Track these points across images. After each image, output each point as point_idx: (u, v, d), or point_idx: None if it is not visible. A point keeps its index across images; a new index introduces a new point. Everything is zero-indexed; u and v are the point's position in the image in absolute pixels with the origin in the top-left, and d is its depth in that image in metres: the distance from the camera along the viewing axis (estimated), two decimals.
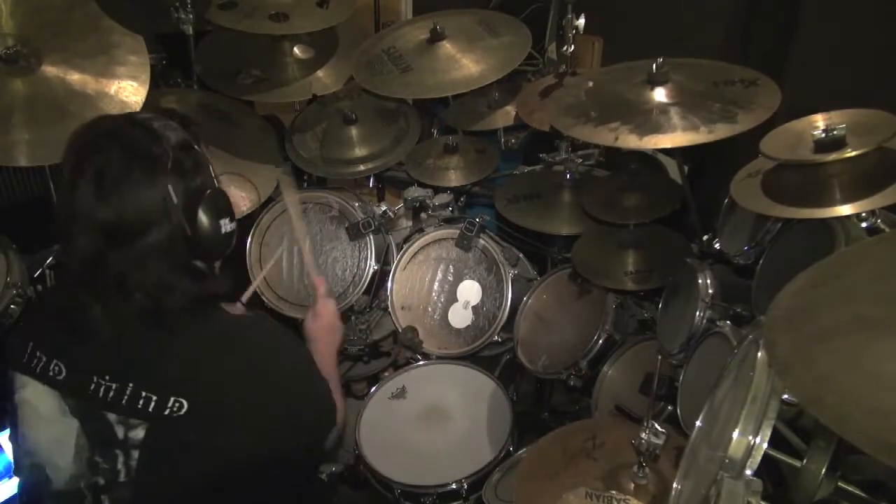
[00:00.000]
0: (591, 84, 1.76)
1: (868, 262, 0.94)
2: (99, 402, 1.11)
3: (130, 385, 1.09)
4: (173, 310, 1.08)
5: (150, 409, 1.08)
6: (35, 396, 1.16)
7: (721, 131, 1.45)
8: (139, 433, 1.09)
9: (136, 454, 1.10)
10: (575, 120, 1.62)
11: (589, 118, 1.60)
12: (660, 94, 1.59)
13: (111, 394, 1.10)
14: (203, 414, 1.09)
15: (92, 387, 1.11)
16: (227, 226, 1.13)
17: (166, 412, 1.08)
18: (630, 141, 1.50)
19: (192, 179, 1.09)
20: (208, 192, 1.11)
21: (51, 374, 1.14)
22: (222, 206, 1.13)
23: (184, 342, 1.11)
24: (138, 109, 1.90)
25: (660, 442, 1.24)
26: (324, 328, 1.51)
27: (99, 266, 1.06)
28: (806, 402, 0.75)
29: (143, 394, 1.08)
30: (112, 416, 1.10)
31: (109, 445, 1.11)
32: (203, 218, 1.09)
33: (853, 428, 0.68)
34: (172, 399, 1.08)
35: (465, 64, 2.10)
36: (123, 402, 1.09)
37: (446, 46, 2.14)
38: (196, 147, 1.12)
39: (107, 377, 1.10)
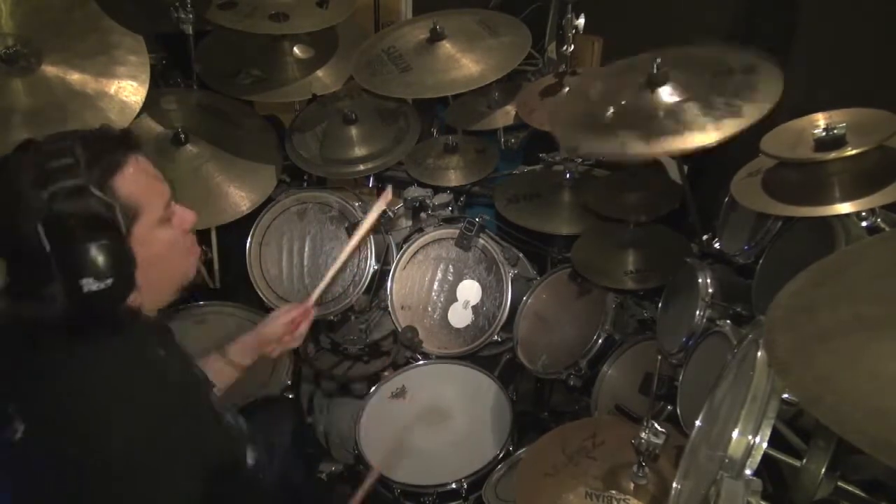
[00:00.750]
0: (591, 93, 1.74)
1: (868, 262, 0.94)
2: None
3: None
4: (49, 334, 1.05)
5: (2, 426, 1.04)
6: None
7: (728, 127, 1.41)
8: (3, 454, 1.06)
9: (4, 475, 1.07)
10: (582, 132, 1.61)
11: (594, 129, 1.58)
12: (663, 95, 1.57)
13: None
14: (34, 444, 1.04)
15: None
16: (89, 284, 1.01)
17: (8, 433, 1.03)
18: (638, 148, 1.47)
19: (68, 232, 1.00)
20: (88, 244, 1.01)
21: None
22: (91, 262, 1.01)
23: (45, 368, 1.06)
24: (138, 109, 1.90)
25: (659, 442, 1.24)
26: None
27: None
28: (806, 402, 0.75)
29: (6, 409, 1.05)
30: None
31: None
32: (73, 273, 1.01)
33: (853, 428, 0.68)
34: (15, 420, 1.03)
35: (464, 64, 2.10)
36: None
37: (446, 46, 2.14)
38: (93, 190, 1.01)
39: None
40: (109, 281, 1.03)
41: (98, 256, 1.01)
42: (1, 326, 1.07)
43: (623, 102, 1.60)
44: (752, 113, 1.42)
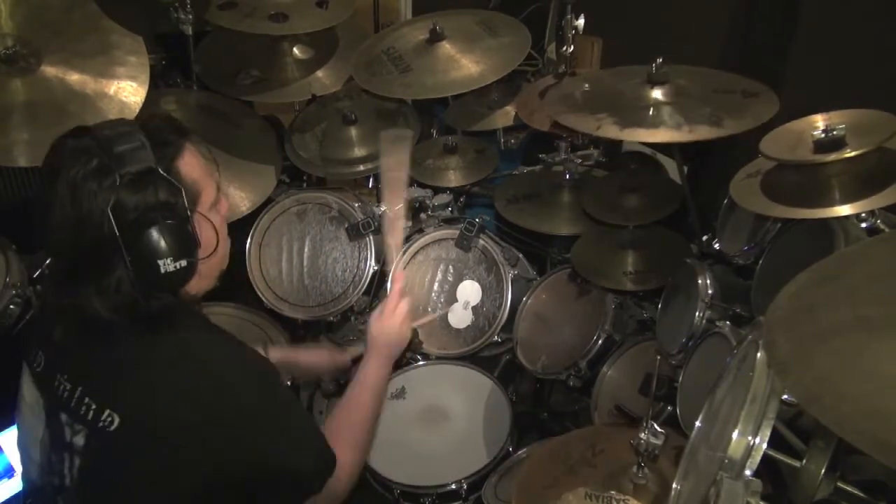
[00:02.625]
0: (586, 87, 1.77)
1: (868, 262, 0.94)
2: (56, 400, 1.09)
3: (79, 389, 1.07)
4: (125, 322, 1.04)
5: (90, 418, 1.05)
6: (25, 384, 1.17)
7: (701, 132, 1.45)
8: (80, 440, 1.06)
9: (77, 461, 1.07)
10: (566, 108, 1.64)
11: (579, 107, 1.61)
12: (657, 94, 1.60)
13: (65, 394, 1.08)
14: (133, 433, 1.03)
15: (55, 383, 1.09)
16: (167, 265, 1.02)
17: (100, 424, 1.04)
18: (610, 131, 1.51)
19: (139, 213, 1.00)
20: (157, 224, 1.01)
21: (34, 364, 1.14)
22: (168, 242, 1.02)
23: (130, 356, 1.07)
24: (137, 109, 1.90)
25: (659, 442, 1.24)
26: (385, 329, 1.38)
27: (56, 285, 1.06)
28: (805, 403, 0.75)
29: (86, 400, 1.06)
30: (64, 417, 1.08)
31: (60, 447, 1.09)
32: (144, 256, 1.01)
33: (852, 428, 0.68)
34: (107, 411, 1.04)
35: (464, 64, 2.10)
36: (72, 404, 1.07)
37: (445, 47, 2.14)
38: (160, 171, 1.01)
39: (66, 376, 1.09)
40: (184, 262, 1.04)
41: (172, 238, 1.02)
42: (67, 321, 1.06)
43: (618, 90, 1.64)
44: (731, 127, 1.45)
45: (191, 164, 1.08)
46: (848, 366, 0.75)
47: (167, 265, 1.02)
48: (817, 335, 0.81)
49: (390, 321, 1.38)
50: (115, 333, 1.05)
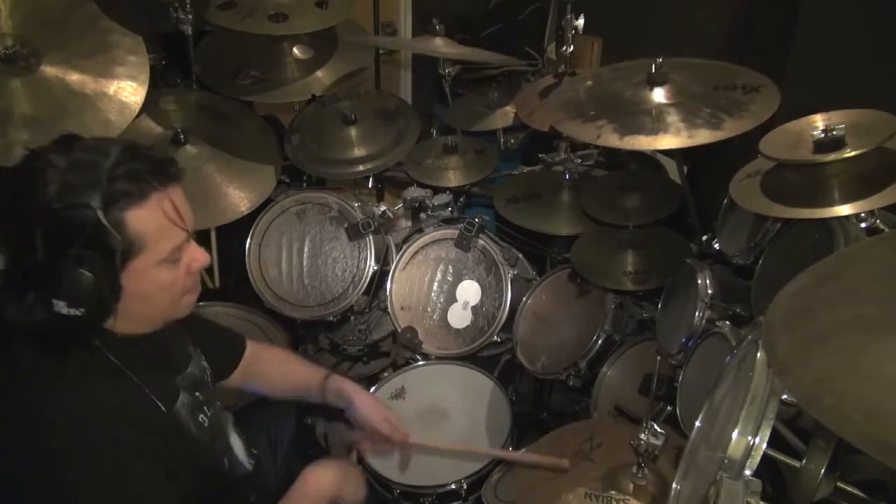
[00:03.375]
0: (589, 83, 1.76)
1: (868, 262, 0.94)
2: None
3: None
4: (29, 342, 1.03)
5: None
6: None
7: (702, 137, 1.44)
8: None
9: None
10: (567, 114, 1.63)
11: (581, 114, 1.60)
12: (658, 95, 1.58)
13: None
14: None
15: None
16: (60, 307, 0.99)
17: None
18: (611, 140, 1.50)
19: (56, 243, 0.99)
20: (62, 265, 0.99)
21: None
22: (67, 287, 0.99)
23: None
24: (137, 109, 1.90)
25: (659, 442, 1.24)
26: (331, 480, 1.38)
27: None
28: (805, 403, 0.75)
29: None
30: None
31: None
32: (47, 288, 1.00)
33: (852, 428, 0.68)
34: None
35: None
36: None
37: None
38: (102, 220, 0.98)
39: None
40: (81, 311, 1.00)
41: (80, 283, 0.99)
42: None
43: (618, 92, 1.62)
44: (731, 128, 1.43)
45: (148, 218, 1.04)
46: (848, 366, 0.75)
47: (60, 307, 1.00)
48: (817, 335, 0.81)
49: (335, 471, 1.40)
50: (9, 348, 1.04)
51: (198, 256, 1.16)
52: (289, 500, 1.31)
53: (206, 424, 1.26)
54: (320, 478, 1.37)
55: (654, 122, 1.50)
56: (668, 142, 1.47)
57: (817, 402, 0.72)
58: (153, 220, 1.04)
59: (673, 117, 1.50)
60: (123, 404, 1.08)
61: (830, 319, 0.82)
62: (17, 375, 1.06)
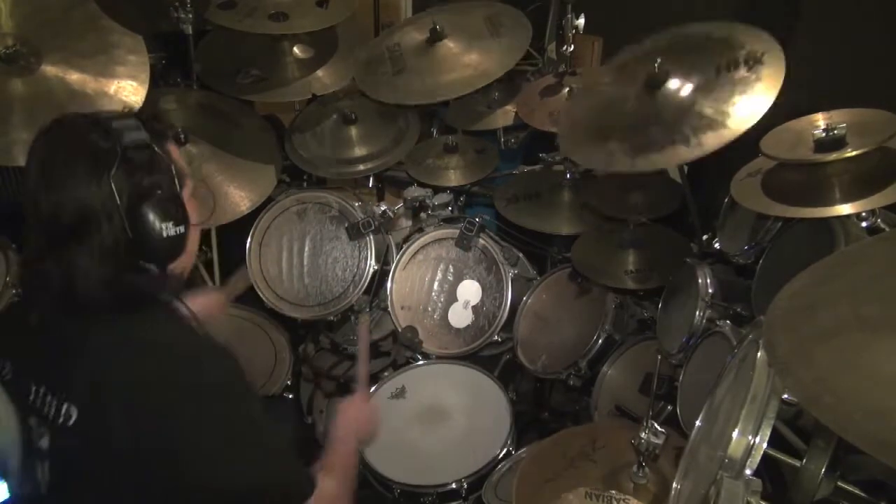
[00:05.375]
0: (589, 101, 1.74)
1: (868, 262, 0.94)
2: (25, 405, 1.05)
3: (42, 387, 1.03)
4: (93, 308, 1.01)
5: (51, 416, 1.01)
6: None
7: (711, 141, 1.43)
8: (45, 442, 1.02)
9: (46, 465, 1.03)
10: (576, 141, 1.61)
11: (589, 137, 1.59)
12: (658, 97, 1.57)
13: (31, 395, 1.04)
14: (90, 426, 0.99)
15: (24, 388, 1.06)
16: (169, 229, 1.04)
17: (60, 420, 1.00)
18: (622, 163, 1.50)
19: (139, 180, 1.03)
20: (158, 192, 1.04)
21: (3, 372, 1.09)
22: (169, 209, 1.05)
23: (96, 344, 1.02)
24: (138, 109, 1.90)
25: (659, 442, 1.24)
26: (354, 413, 1.41)
27: (40, 264, 1.04)
28: (806, 403, 0.75)
29: (49, 398, 1.02)
30: (32, 421, 1.04)
31: (31, 454, 1.05)
32: (145, 220, 1.03)
33: (853, 428, 0.68)
34: (65, 406, 1.00)
35: (458, 68, 2.07)
36: (38, 405, 1.03)
37: (446, 46, 2.13)
38: (155, 148, 1.05)
39: (32, 377, 1.05)
40: (182, 229, 1.07)
41: (173, 205, 1.06)
42: (46, 297, 1.03)
43: (626, 108, 1.60)
44: (736, 126, 1.42)
45: (176, 153, 1.12)
46: (848, 365, 0.75)
47: (168, 229, 1.04)
48: (818, 334, 0.81)
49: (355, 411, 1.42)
50: (89, 313, 1.02)
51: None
52: (333, 447, 1.30)
53: None
54: (347, 418, 1.39)
55: (665, 134, 1.48)
56: (683, 155, 1.46)
57: (818, 401, 0.72)
58: (178, 154, 1.13)
59: (682, 127, 1.48)
60: (215, 347, 1.10)
61: (831, 319, 0.82)
62: (92, 344, 1.03)
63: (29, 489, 1.06)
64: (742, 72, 1.49)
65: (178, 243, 1.07)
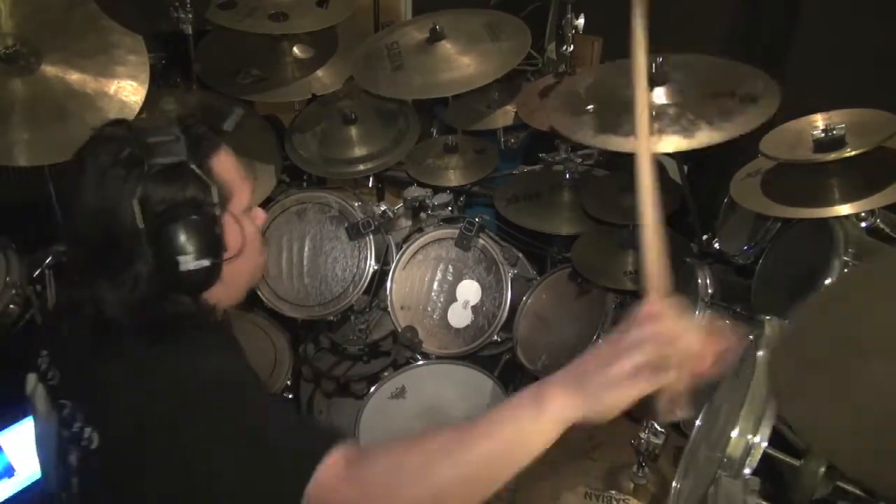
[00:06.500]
0: (590, 80, 1.75)
1: (869, 286, 0.93)
2: (60, 417, 1.05)
3: (71, 405, 1.03)
4: (134, 325, 0.98)
5: (76, 436, 1.00)
6: (38, 396, 1.12)
7: (699, 140, 1.43)
8: (74, 460, 1.02)
9: (75, 480, 1.03)
10: (564, 114, 1.62)
11: (579, 113, 1.59)
12: (659, 97, 1.58)
13: (65, 411, 1.03)
14: (111, 453, 0.97)
15: (61, 400, 1.05)
16: (188, 262, 0.96)
17: (83, 443, 0.99)
18: (607, 140, 1.50)
19: (165, 204, 0.96)
20: (186, 218, 0.96)
21: (49, 377, 1.10)
22: (192, 238, 0.96)
23: (123, 372, 0.99)
24: (137, 109, 1.90)
25: (659, 442, 1.25)
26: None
27: (73, 287, 1.03)
28: (799, 431, 0.74)
29: (76, 417, 1.01)
30: (65, 434, 1.03)
31: (63, 464, 1.04)
32: (166, 249, 0.96)
33: (848, 459, 0.67)
34: (88, 430, 0.98)
35: (457, 67, 2.08)
36: (67, 421, 1.02)
37: (445, 47, 2.13)
38: (191, 165, 0.97)
39: (66, 392, 1.05)
40: (206, 262, 0.98)
41: (196, 235, 0.96)
42: (77, 319, 1.01)
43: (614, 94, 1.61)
44: (730, 131, 1.42)
45: (225, 164, 1.03)
46: (842, 391, 0.74)
47: (187, 263, 0.96)
48: (816, 362, 0.80)
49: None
50: (119, 339, 0.99)
51: (259, 213, 1.14)
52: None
53: None
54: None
55: (657, 124, 1.49)
56: (663, 145, 1.46)
57: (812, 429, 0.71)
58: (230, 164, 1.05)
59: (668, 122, 1.49)
60: (242, 376, 1.02)
61: (827, 343, 0.81)
62: (116, 367, 1.00)
63: (63, 494, 1.07)
64: (735, 102, 1.49)
65: (199, 277, 0.98)
